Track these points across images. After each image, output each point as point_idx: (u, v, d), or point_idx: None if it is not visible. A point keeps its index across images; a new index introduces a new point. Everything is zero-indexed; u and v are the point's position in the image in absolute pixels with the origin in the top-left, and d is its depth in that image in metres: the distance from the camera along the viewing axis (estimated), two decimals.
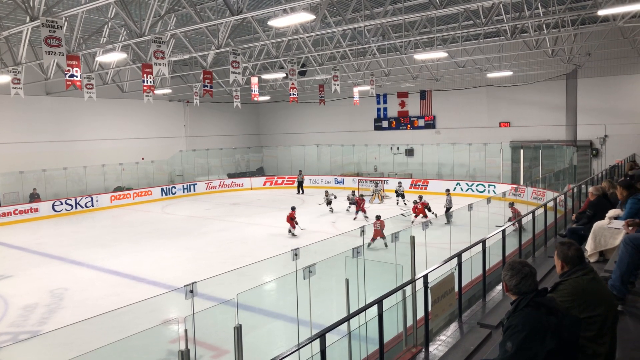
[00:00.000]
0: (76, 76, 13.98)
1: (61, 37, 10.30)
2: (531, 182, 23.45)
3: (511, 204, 16.15)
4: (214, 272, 11.78)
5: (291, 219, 16.90)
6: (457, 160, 28.42)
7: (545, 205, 9.60)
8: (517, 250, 8.47)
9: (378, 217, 15.06)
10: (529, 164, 26.47)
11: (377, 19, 13.62)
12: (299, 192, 29.07)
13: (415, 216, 18.18)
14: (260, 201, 26.12)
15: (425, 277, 5.55)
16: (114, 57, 18.71)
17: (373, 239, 14.30)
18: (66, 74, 13.68)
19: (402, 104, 30.91)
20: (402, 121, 30.95)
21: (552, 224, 10.78)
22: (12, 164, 23.37)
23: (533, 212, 9.34)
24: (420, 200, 18.80)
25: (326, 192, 22.81)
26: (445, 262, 6.16)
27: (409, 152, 30.37)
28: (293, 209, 17.38)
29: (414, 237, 7.54)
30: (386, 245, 13.65)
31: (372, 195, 25.40)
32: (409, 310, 6.12)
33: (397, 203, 22.98)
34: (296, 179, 29.95)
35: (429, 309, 5.62)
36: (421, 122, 30.21)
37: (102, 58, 18.02)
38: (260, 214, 21.70)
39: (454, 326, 6.20)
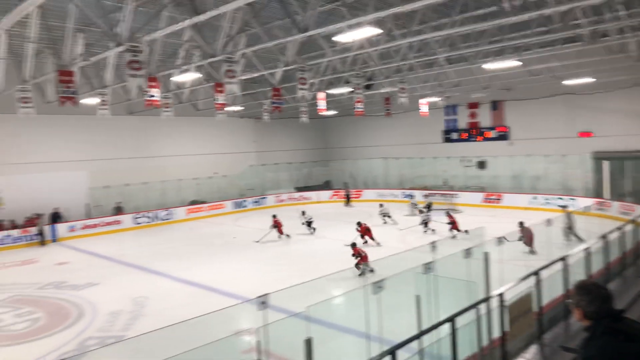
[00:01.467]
0: (155, 96, 14.88)
1: (142, 60, 11.05)
2: (618, 196, 21.80)
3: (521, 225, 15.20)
4: (283, 285, 11.95)
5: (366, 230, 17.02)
6: (532, 173, 27.07)
7: (634, 221, 8.90)
8: (604, 269, 7.90)
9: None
10: (614, 176, 24.65)
11: (445, 30, 13.40)
12: (347, 204, 29.87)
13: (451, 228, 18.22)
14: (327, 215, 26.27)
15: (501, 295, 5.31)
16: (189, 77, 19.77)
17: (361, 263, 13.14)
18: (146, 94, 14.61)
19: (473, 115, 30.01)
20: (473, 133, 30.01)
21: None
22: (100, 180, 25.23)
23: (621, 228, 8.68)
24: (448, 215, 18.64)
25: (380, 204, 22.49)
26: (522, 280, 5.87)
27: (481, 165, 29.34)
28: (359, 224, 17.35)
29: (487, 253, 7.26)
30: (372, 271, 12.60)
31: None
32: (484, 329, 5.87)
33: (385, 222, 21.90)
34: (345, 192, 31.02)
35: (506, 329, 5.36)
36: (493, 134, 29.12)
37: (178, 78, 19.12)
38: (328, 227, 21.81)
39: (534, 348, 5.87)
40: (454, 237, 17.63)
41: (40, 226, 21.21)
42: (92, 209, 24.68)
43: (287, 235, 19.70)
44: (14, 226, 21.33)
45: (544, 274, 6.26)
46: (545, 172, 26.59)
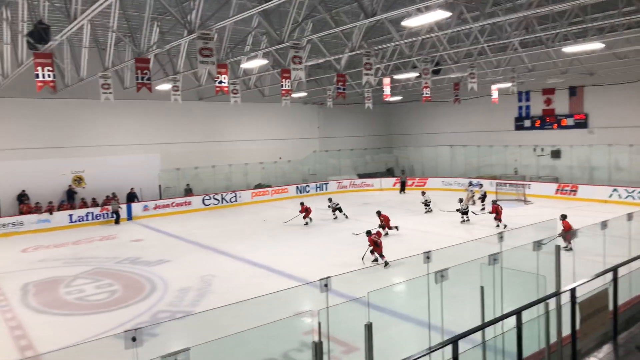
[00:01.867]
0: (224, 82, 15.34)
1: (213, 47, 11.39)
2: None
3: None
4: (345, 270, 12.05)
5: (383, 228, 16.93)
6: (613, 164, 25.26)
7: None
8: None
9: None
10: None
11: (521, 12, 12.71)
12: (401, 191, 29.77)
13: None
14: (390, 202, 26.03)
15: (573, 290, 5.04)
16: (256, 64, 20.18)
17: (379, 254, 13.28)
18: (216, 80, 15.08)
19: (548, 102, 28.38)
20: (548, 120, 28.41)
21: None
22: (171, 162, 26.53)
23: None
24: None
25: (329, 199, 22.18)
26: (598, 276, 5.54)
27: (555, 154, 27.76)
28: (379, 213, 17.68)
29: (559, 246, 6.91)
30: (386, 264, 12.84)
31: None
32: (552, 326, 5.61)
33: (336, 217, 21.19)
34: (399, 179, 30.80)
35: (577, 326, 5.09)
36: (570, 121, 27.41)
37: (246, 65, 19.56)
38: (390, 215, 21.59)
39: (607, 348, 5.55)
40: (498, 226, 17.65)
41: (115, 206, 22.57)
42: (164, 190, 26.00)
43: (345, 214, 20.27)
44: (95, 204, 22.93)
45: (622, 270, 5.87)
46: (629, 163, 24.71)
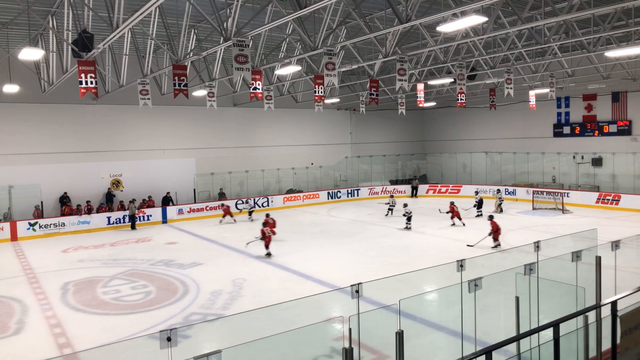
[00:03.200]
0: (258, 89, 15.52)
1: (248, 54, 11.57)
2: None
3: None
4: (375, 277, 11.96)
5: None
6: None
7: None
8: None
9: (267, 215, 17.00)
10: None
11: (561, 16, 12.36)
12: (413, 196, 30.38)
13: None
14: (422, 209, 25.72)
15: (614, 303, 4.85)
16: (290, 70, 20.39)
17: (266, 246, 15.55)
18: (250, 87, 15.29)
19: (589, 108, 27.50)
20: (588, 127, 27.51)
21: None
22: (205, 167, 27.05)
23: None
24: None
25: (405, 204, 21.27)
26: None
27: (597, 162, 26.83)
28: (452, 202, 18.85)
29: (600, 257, 6.67)
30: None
31: (497, 206, 23.78)
32: (592, 339, 5.41)
33: (408, 227, 19.97)
34: (411, 184, 31.34)
35: (617, 340, 4.89)
36: (612, 128, 26.46)
37: (280, 71, 19.76)
38: (423, 222, 21.36)
39: None
40: (495, 246, 15.71)
41: (133, 210, 22.31)
42: (198, 194, 26.50)
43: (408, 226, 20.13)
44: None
45: None
46: None
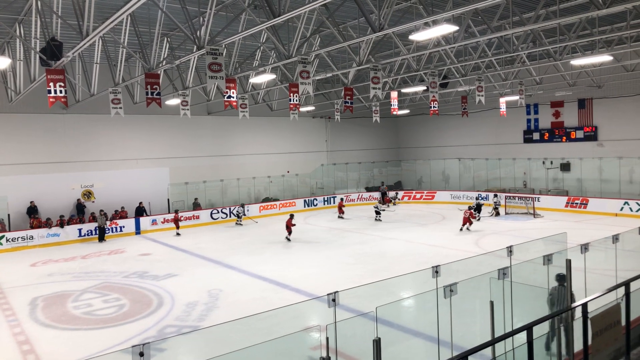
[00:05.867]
0: (233, 97, 15.46)
1: (222, 62, 11.51)
2: None
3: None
4: (352, 284, 11.97)
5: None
6: (624, 177, 25.03)
7: None
8: None
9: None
10: None
11: (528, 25, 12.72)
12: (382, 202, 30.25)
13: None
14: (397, 215, 25.94)
15: (585, 305, 4.96)
16: (264, 79, 20.37)
17: None
18: (224, 95, 15.21)
19: (557, 114, 28.28)
20: (557, 133, 28.27)
21: None
22: (180, 176, 26.70)
23: None
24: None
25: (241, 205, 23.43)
26: (610, 290, 5.45)
27: (565, 167, 27.57)
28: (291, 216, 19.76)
29: (570, 260, 6.82)
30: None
31: (494, 210, 24.24)
32: (563, 341, 5.52)
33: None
34: (380, 190, 31.50)
35: (589, 342, 5.00)
36: (579, 134, 27.25)
37: (254, 79, 19.72)
38: (399, 228, 21.53)
39: None
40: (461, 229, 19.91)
41: (102, 221, 21.78)
42: (173, 204, 26.13)
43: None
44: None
45: (635, 285, 5.77)
46: None
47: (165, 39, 16.82)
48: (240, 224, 24.75)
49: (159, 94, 14.06)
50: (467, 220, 20.13)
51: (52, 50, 12.09)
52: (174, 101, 20.58)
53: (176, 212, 23.33)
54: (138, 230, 23.28)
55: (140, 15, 14.32)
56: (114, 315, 11.45)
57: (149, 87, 13.81)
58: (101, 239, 21.67)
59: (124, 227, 22.91)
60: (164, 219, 24.22)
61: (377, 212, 23.47)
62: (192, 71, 18.63)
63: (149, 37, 15.01)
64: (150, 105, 14.11)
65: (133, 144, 25.42)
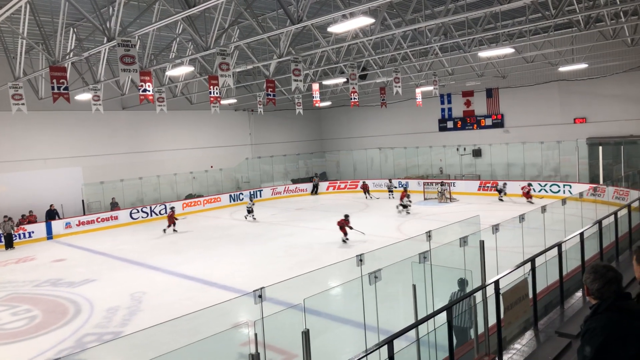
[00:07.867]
0: (149, 90, 14.78)
1: (135, 54, 10.96)
2: (612, 181, 21.91)
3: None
4: (282, 277, 11.98)
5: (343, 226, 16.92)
6: (528, 160, 27.16)
7: (629, 205, 8.94)
8: (598, 254, 7.94)
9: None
10: (609, 161, 24.74)
11: (439, 18, 13.33)
12: (313, 193, 31.47)
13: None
14: (324, 206, 26.30)
15: (497, 282, 5.33)
16: (182, 71, 19.66)
17: None
18: (140, 89, 14.51)
19: (468, 103, 30.00)
20: (468, 121, 30.02)
21: (638, 226, 10.02)
22: (94, 175, 25.15)
23: (615, 213, 8.72)
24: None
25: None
26: (518, 267, 5.89)
27: (477, 153, 29.39)
28: (346, 217, 17.31)
29: (483, 241, 7.29)
30: None
31: (440, 196, 25.01)
32: (480, 317, 5.91)
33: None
34: (312, 182, 32.45)
35: (501, 316, 5.39)
36: (488, 122, 29.15)
37: (171, 72, 18.98)
38: (325, 218, 21.83)
39: (529, 334, 5.92)
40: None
41: (8, 228, 19.99)
42: (88, 205, 24.62)
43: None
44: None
45: (539, 260, 6.29)
46: (541, 160, 26.68)
47: (72, 29, 15.69)
48: (254, 218, 22.84)
49: (66, 88, 13.12)
50: (344, 230, 17.21)
51: None
52: (84, 96, 19.28)
53: (172, 209, 21.67)
54: (50, 235, 21.71)
55: (41, 4, 13.25)
56: (24, 328, 10.63)
57: (54, 81, 12.84)
58: (8, 246, 19.92)
59: (33, 232, 21.27)
60: (79, 221, 22.78)
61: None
62: (103, 64, 17.52)
63: (52, 28, 13.93)
64: (58, 101, 13.14)
65: (39, 143, 23.55)
